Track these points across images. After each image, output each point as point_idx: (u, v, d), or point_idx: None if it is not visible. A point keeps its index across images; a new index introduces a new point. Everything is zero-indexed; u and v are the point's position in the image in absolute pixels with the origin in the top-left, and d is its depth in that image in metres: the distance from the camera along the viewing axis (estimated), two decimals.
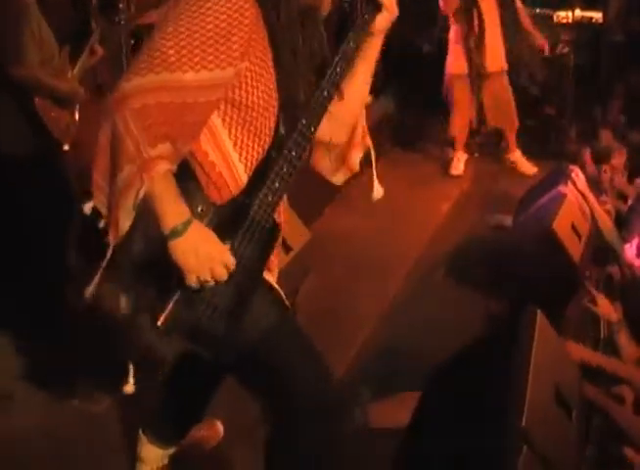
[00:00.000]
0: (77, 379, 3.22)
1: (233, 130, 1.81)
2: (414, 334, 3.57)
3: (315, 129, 1.86)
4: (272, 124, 1.86)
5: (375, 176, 2.09)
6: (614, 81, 8.17)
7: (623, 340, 2.93)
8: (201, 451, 2.75)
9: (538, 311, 2.33)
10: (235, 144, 1.82)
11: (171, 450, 2.63)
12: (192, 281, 1.73)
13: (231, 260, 1.76)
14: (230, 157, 1.83)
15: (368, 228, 5.12)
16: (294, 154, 1.84)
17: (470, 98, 6.12)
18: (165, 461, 2.63)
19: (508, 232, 4.62)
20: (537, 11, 7.82)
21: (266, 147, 1.87)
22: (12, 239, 3.49)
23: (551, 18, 7.93)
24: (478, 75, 6.05)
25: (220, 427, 2.83)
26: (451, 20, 6.10)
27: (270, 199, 1.84)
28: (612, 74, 8.17)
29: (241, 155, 1.83)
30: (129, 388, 1.98)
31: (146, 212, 1.68)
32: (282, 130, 1.89)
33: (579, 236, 4.09)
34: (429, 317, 3.75)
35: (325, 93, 1.84)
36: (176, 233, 1.67)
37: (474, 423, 2.08)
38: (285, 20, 1.82)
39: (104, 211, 1.76)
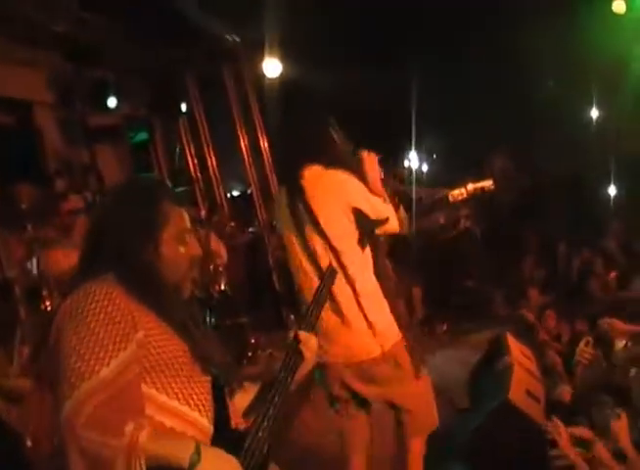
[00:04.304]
0: None
1: (169, 389, 1.93)
2: None
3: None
4: (199, 367, 2.01)
5: None
6: (520, 239, 8.55)
7: None
8: None
9: None
10: (179, 399, 1.94)
11: None
12: None
13: None
14: (182, 412, 1.93)
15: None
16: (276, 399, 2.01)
17: None
18: None
19: (469, 414, 4.64)
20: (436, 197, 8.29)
21: (209, 383, 2.01)
22: None
23: (447, 198, 8.36)
24: None
25: None
26: None
27: (260, 435, 1.95)
28: (515, 233, 8.55)
29: (189, 405, 1.95)
30: None
31: None
32: (213, 370, 2.04)
33: (537, 399, 4.21)
34: None
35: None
36: (194, 462, 1.79)
37: None
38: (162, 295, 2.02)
39: None
